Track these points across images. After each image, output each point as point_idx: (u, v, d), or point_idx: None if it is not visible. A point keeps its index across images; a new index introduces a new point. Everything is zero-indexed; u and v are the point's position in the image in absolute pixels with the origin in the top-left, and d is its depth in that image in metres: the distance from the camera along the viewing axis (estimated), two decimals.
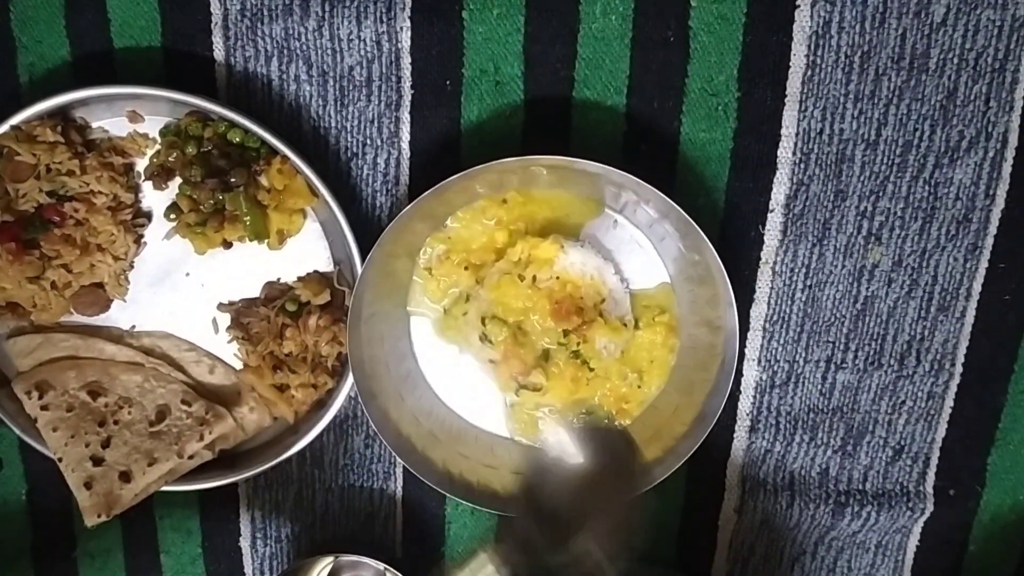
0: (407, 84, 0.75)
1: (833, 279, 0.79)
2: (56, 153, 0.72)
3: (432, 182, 0.71)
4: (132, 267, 0.79)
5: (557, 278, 0.75)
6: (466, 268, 0.78)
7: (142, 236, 0.78)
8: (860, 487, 0.84)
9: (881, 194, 0.77)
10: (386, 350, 0.79)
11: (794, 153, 0.76)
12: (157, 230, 0.78)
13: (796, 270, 0.79)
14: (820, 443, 0.83)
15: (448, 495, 0.79)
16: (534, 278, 0.75)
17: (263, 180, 0.74)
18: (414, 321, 0.81)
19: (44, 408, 0.79)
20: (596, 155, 0.71)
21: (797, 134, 0.75)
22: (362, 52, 0.74)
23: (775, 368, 0.82)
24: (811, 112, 0.75)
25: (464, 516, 0.87)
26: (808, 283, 0.79)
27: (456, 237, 0.78)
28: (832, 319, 0.80)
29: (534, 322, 0.76)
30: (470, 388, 0.82)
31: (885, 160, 0.76)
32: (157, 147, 0.75)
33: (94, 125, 0.75)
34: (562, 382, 0.77)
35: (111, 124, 0.76)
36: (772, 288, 0.80)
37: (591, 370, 0.77)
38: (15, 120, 0.72)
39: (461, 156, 0.77)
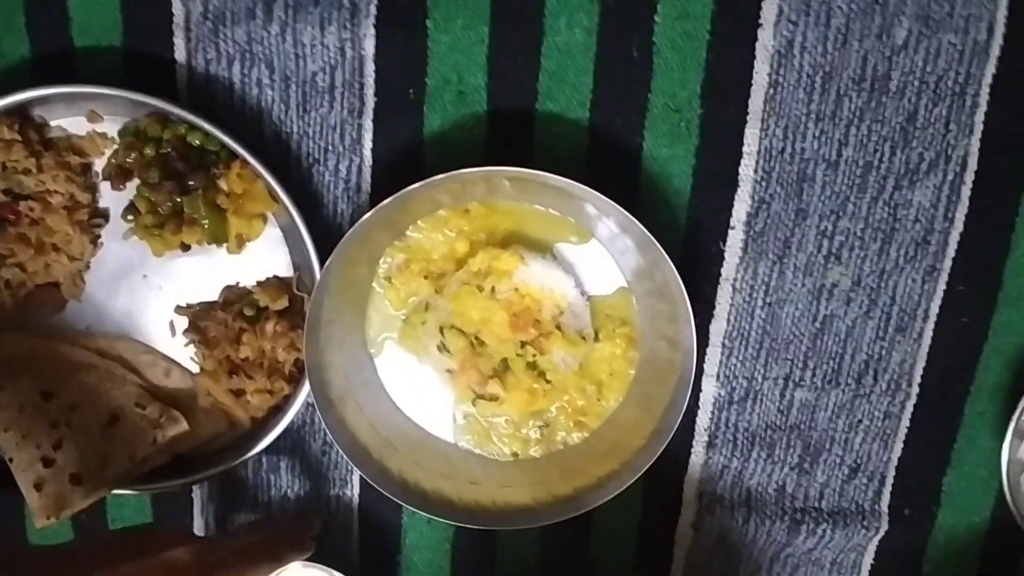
0: (370, 91, 0.75)
1: (793, 297, 0.79)
2: (12, 151, 0.72)
3: (394, 190, 0.71)
4: (88, 268, 0.78)
5: (516, 290, 0.75)
6: (426, 277, 0.78)
7: (99, 237, 0.77)
8: (816, 504, 0.85)
9: (841, 214, 0.77)
10: (345, 358, 0.79)
11: (756, 171, 0.76)
12: (114, 231, 0.78)
13: (756, 287, 0.79)
14: (777, 460, 0.84)
15: (404, 504, 0.79)
16: (493, 289, 0.75)
17: (222, 184, 0.73)
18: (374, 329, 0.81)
19: None
20: (559, 168, 0.71)
21: (759, 152, 0.76)
22: (325, 58, 0.74)
23: (734, 384, 0.82)
24: (773, 131, 0.75)
25: (421, 525, 0.86)
26: (768, 300, 0.80)
27: (417, 246, 0.78)
28: (791, 337, 0.80)
29: (492, 333, 0.75)
30: (428, 398, 0.82)
31: (846, 180, 0.76)
32: (115, 147, 0.75)
33: (52, 124, 0.75)
34: (519, 393, 0.77)
35: (70, 123, 0.75)
36: (732, 305, 0.80)
37: (548, 382, 0.77)
38: None
39: (423, 165, 0.76)
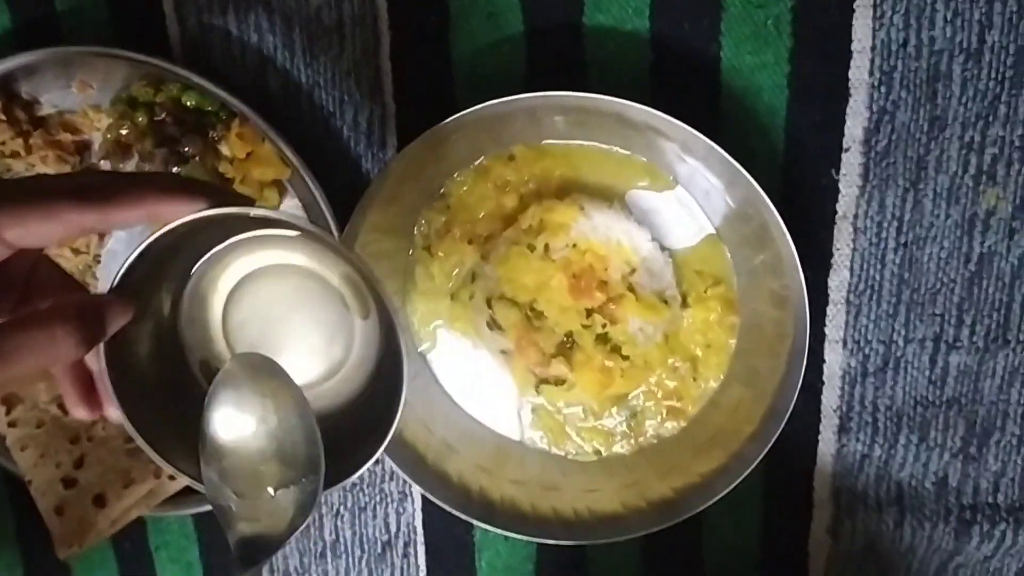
0: (384, 24, 0.63)
1: (935, 233, 0.63)
2: None
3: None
4: (98, 262, 0.69)
5: (574, 246, 0.61)
6: (470, 242, 0.65)
7: None
8: (989, 500, 0.67)
9: (991, 119, 0.60)
10: None
11: (871, 73, 0.60)
12: None
13: (885, 224, 0.63)
14: (934, 445, 0.66)
15: (463, 516, 0.66)
16: (546, 247, 0.61)
17: (223, 149, 0.63)
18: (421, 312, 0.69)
19: (12, 424, 0.70)
20: (618, 93, 0.58)
21: (873, 48, 0.60)
22: None
23: (867, 351, 0.65)
24: (890, 18, 0.59)
25: (497, 543, 0.73)
26: (902, 240, 0.63)
27: (456, 205, 0.65)
28: (938, 285, 0.63)
29: (550, 301, 0.62)
30: (489, 389, 0.68)
31: (993, 74, 0.59)
32: (108, 120, 0.66)
33: (43, 100, 0.67)
34: (590, 374, 0.63)
35: (61, 98, 0.67)
36: (855, 249, 0.63)
37: (625, 358, 0.63)
38: None
39: (456, 106, 0.64)
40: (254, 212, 0.41)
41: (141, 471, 0.69)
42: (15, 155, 0.65)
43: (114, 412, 0.45)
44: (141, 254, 0.41)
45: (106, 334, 0.41)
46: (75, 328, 0.39)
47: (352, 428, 0.49)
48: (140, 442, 0.46)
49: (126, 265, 0.42)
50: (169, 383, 0.49)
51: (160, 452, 0.46)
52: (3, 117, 0.64)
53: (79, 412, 0.45)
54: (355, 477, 0.47)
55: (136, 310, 0.43)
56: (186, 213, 0.40)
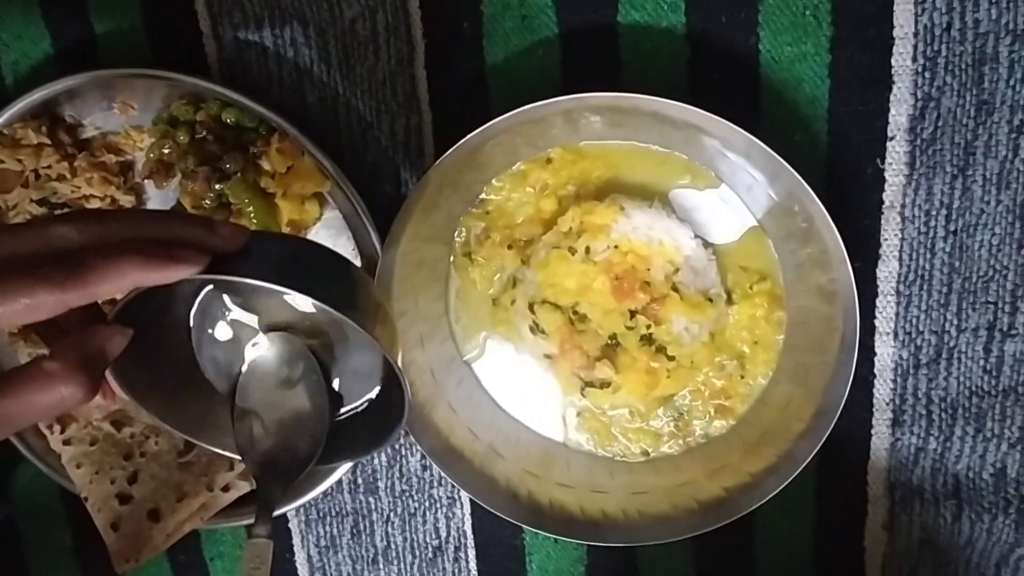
0: (418, 32, 0.63)
1: (986, 220, 0.61)
2: (43, 156, 0.65)
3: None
4: None
5: (615, 247, 0.61)
6: (510, 247, 0.65)
7: None
8: None
9: None
10: (428, 354, 0.67)
11: (915, 59, 0.59)
12: None
13: (934, 212, 0.61)
14: (991, 435, 0.65)
15: (512, 520, 0.66)
16: (587, 250, 0.61)
17: (265, 164, 0.64)
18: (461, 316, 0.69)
19: (67, 443, 0.72)
20: (656, 90, 0.57)
21: (916, 34, 0.58)
22: (363, 0, 0.63)
23: (919, 342, 0.64)
24: (932, 1, 0.58)
25: (547, 546, 0.73)
26: (952, 228, 0.61)
27: (496, 211, 0.65)
28: (990, 272, 0.62)
29: (593, 304, 0.61)
30: (535, 392, 0.68)
31: None
32: (151, 140, 0.67)
33: (86, 123, 0.68)
34: (635, 375, 0.62)
35: (105, 120, 0.67)
36: (903, 238, 0.62)
37: (671, 359, 0.62)
38: None
39: (491, 112, 0.64)
40: (237, 280, 0.43)
41: (194, 485, 0.70)
42: (61, 178, 0.66)
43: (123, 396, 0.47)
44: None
45: (108, 364, 0.43)
46: (79, 384, 0.40)
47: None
48: (138, 409, 0.49)
49: (120, 306, 0.43)
50: (170, 360, 0.51)
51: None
52: (48, 141, 0.65)
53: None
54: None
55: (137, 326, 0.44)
56: (173, 278, 0.41)
